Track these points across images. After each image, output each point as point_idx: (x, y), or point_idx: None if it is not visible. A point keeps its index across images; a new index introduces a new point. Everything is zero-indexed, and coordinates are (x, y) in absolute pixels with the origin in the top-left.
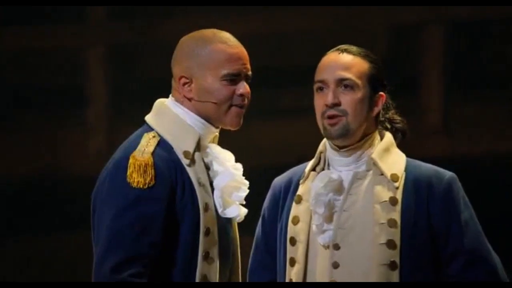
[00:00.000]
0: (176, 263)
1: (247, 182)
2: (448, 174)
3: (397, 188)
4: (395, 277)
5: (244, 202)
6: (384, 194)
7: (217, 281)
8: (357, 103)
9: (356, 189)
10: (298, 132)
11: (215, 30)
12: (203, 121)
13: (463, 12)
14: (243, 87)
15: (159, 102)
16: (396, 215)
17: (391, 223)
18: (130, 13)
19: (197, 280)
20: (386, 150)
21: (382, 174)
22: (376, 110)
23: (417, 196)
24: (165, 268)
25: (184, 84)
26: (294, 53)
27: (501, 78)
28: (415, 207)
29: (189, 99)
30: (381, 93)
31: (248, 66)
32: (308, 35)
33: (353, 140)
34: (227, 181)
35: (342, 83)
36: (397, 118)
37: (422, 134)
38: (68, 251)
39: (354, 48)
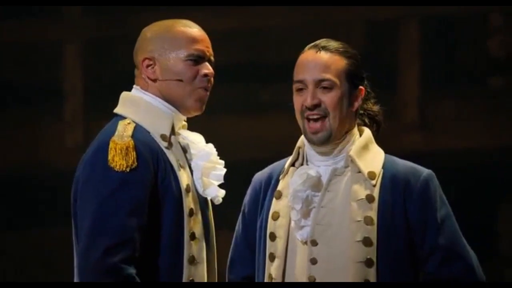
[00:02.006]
0: (164, 245)
1: (222, 162)
2: (425, 171)
3: (374, 185)
4: (372, 274)
5: (223, 181)
6: (361, 192)
7: (204, 260)
8: (337, 102)
9: (334, 186)
10: (277, 127)
11: (176, 19)
12: (169, 105)
13: (441, 7)
14: (207, 68)
15: (125, 93)
16: (373, 212)
17: (368, 220)
18: (106, 7)
19: (185, 260)
20: (365, 147)
21: (359, 172)
22: (356, 105)
23: (394, 193)
24: (153, 251)
25: (148, 66)
26: (272, 49)
27: (479, 74)
28: (392, 205)
29: (154, 81)
30: (361, 87)
31: (211, 50)
32: (285, 30)
33: (336, 138)
34: (204, 161)
35: (321, 84)
36: (374, 109)
37: (400, 130)
38: (46, 246)
39: (332, 45)
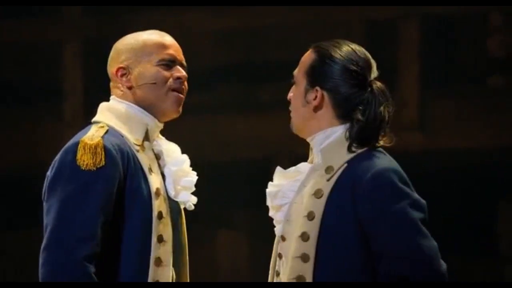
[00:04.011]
0: (131, 245)
1: (194, 172)
2: (378, 167)
3: (328, 180)
4: (307, 269)
5: (194, 189)
6: (314, 186)
7: (170, 263)
8: (294, 99)
9: (309, 181)
10: (277, 126)
11: (146, 30)
12: (146, 112)
13: (440, 6)
14: (179, 71)
15: (102, 104)
16: (318, 207)
17: (310, 215)
18: (105, 7)
19: (151, 262)
20: (340, 142)
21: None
22: (313, 104)
23: (346, 189)
24: (120, 250)
25: (122, 75)
26: (271, 48)
27: (478, 73)
28: (342, 201)
29: (129, 88)
30: (317, 87)
31: (182, 56)
32: (285, 30)
33: (307, 134)
34: (176, 168)
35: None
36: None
37: (399, 129)
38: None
39: (319, 43)
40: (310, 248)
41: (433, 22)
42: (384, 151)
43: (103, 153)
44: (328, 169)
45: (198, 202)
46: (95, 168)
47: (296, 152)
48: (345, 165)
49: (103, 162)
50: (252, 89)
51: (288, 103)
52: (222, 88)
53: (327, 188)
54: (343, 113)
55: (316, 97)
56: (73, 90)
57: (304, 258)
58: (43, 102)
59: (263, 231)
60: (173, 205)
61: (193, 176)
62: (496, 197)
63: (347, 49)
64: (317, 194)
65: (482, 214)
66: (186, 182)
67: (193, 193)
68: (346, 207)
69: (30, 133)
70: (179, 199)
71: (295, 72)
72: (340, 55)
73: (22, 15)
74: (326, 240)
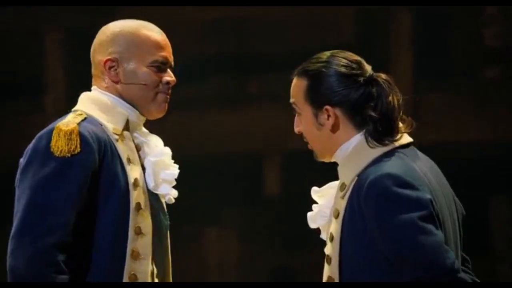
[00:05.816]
0: (106, 236)
1: (176, 166)
2: (374, 175)
3: (342, 198)
4: None
5: (175, 183)
6: (334, 206)
7: (149, 256)
8: (305, 128)
9: (336, 199)
10: (266, 120)
11: (138, 20)
12: (130, 106)
13: None
14: (170, 75)
15: (84, 94)
16: (336, 228)
17: (331, 237)
18: None
19: (127, 255)
20: (354, 153)
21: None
22: (328, 124)
23: (355, 205)
24: (94, 240)
25: (110, 67)
26: (261, 40)
27: (472, 65)
28: (353, 218)
29: (116, 83)
30: (327, 107)
31: (172, 57)
32: (275, 21)
33: (332, 156)
34: (155, 159)
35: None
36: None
37: None
38: None
39: (299, 68)
40: (333, 271)
41: (426, 12)
42: (400, 152)
43: (78, 139)
44: (342, 187)
45: (185, 198)
46: (69, 155)
47: (287, 146)
48: (355, 179)
49: (78, 149)
50: (241, 82)
51: (278, 99)
52: (210, 81)
53: (342, 206)
54: (361, 120)
55: (328, 116)
56: (55, 82)
57: (329, 281)
58: (25, 95)
59: (252, 229)
60: (154, 198)
61: (174, 169)
62: (489, 192)
63: (331, 58)
64: (335, 214)
65: (475, 210)
66: (167, 175)
67: (175, 187)
68: (358, 223)
69: (11, 126)
70: (158, 191)
71: (293, 103)
72: (329, 66)
73: (2, 4)
74: (347, 261)
